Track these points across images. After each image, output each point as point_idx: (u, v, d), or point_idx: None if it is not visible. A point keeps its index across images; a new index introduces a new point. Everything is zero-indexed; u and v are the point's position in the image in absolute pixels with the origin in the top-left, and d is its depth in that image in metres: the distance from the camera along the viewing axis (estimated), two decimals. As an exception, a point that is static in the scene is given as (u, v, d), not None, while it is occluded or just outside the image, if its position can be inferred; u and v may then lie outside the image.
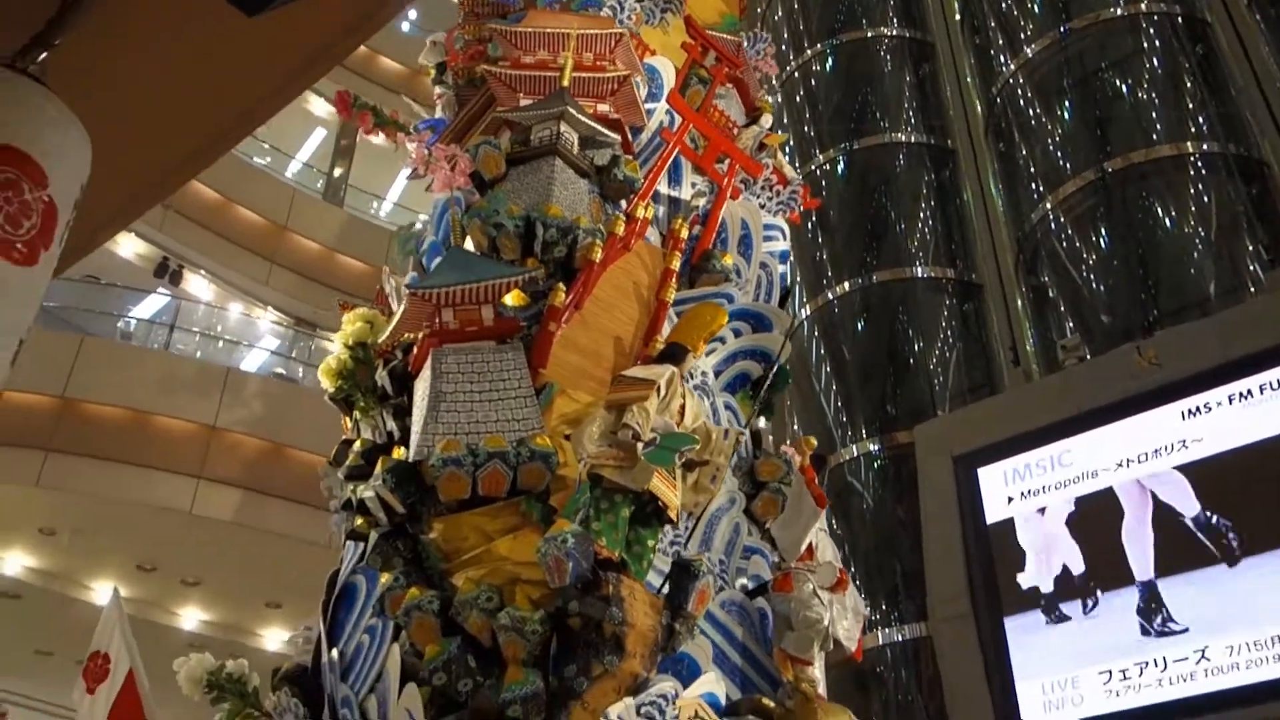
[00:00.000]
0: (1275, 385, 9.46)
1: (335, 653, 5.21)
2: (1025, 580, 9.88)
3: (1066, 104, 14.17)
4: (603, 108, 6.61)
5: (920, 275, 14.57)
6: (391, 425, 5.99)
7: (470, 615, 4.68)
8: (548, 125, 6.35)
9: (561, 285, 5.61)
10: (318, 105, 19.28)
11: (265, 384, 13.50)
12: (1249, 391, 9.61)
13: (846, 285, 14.64)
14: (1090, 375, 10.71)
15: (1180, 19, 13.95)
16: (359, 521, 5.50)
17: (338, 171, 19.55)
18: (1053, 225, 13.33)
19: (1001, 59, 15.33)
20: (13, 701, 14.97)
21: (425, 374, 5.49)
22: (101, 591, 13.85)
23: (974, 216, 15.00)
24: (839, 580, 5.99)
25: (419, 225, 6.40)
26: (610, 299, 6.04)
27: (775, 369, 6.76)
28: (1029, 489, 10.55)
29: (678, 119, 7.10)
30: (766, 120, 7.45)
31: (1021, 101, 14.73)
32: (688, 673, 4.81)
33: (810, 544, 6.15)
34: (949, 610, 10.17)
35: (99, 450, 11.51)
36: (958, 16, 17.01)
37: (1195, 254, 11.99)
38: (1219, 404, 9.73)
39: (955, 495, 10.77)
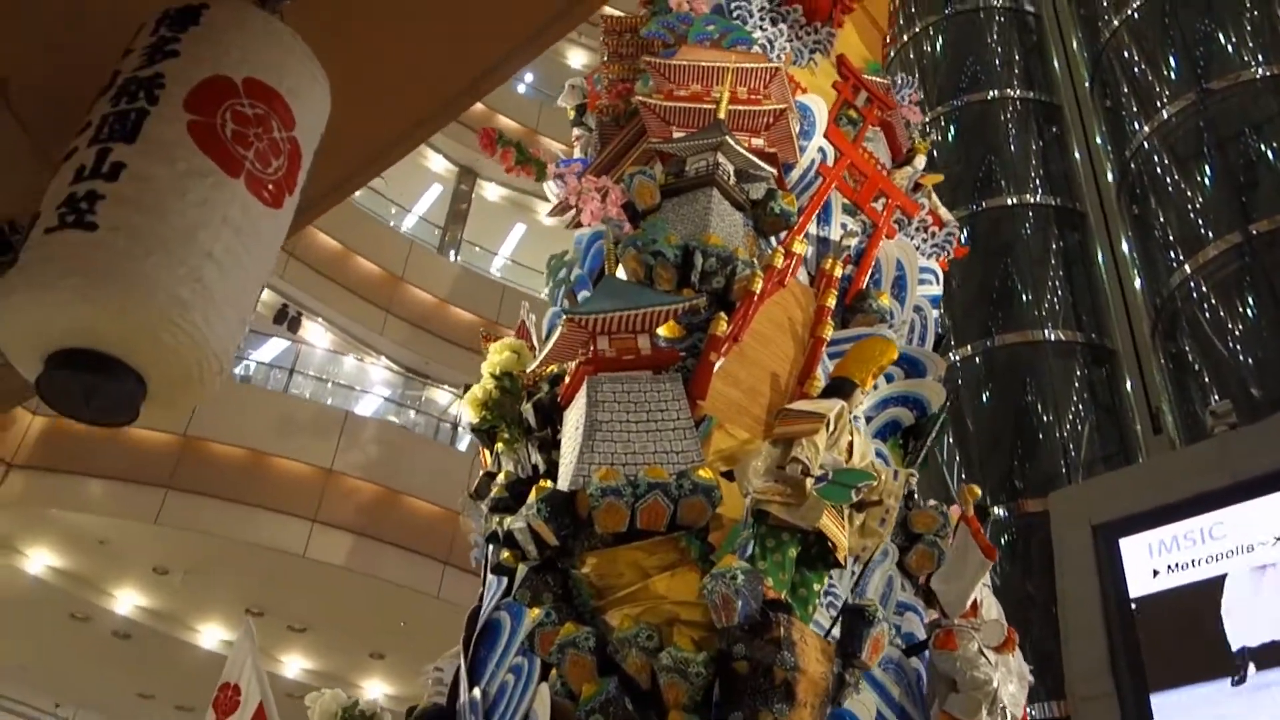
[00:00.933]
0: None
1: (478, 692, 4.97)
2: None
3: (1206, 167, 13.64)
4: (757, 141, 6.46)
5: (1049, 339, 14.05)
6: (536, 458, 5.81)
7: (629, 654, 4.41)
8: (704, 156, 6.22)
9: (723, 315, 5.40)
10: (435, 161, 19.66)
11: (381, 429, 13.50)
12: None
13: (969, 349, 14.17)
14: (1245, 443, 10.07)
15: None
16: (505, 555, 5.28)
17: (453, 227, 19.84)
18: (1193, 291, 12.74)
19: (1136, 124, 14.88)
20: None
21: (579, 403, 5.30)
22: (208, 634, 13.92)
23: (1106, 281, 14.46)
24: (1006, 639, 5.58)
25: (570, 254, 6.24)
26: (767, 334, 5.81)
27: (933, 417, 6.46)
28: (1177, 562, 9.91)
29: (829, 157, 6.93)
30: (920, 161, 7.21)
31: (1157, 165, 14.25)
32: (850, 730, 4.46)
33: (974, 600, 5.74)
34: (1091, 688, 9.52)
35: (217, 489, 11.56)
36: (1087, 82, 16.63)
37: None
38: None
39: (1095, 567, 10.16)
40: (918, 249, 6.99)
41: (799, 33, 7.62)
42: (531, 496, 4.91)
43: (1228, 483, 9.88)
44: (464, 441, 15.12)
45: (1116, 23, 16.17)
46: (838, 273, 6.36)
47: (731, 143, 6.11)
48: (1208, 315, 12.47)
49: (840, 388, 5.15)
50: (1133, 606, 9.93)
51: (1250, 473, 9.79)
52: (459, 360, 17.31)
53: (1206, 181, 13.58)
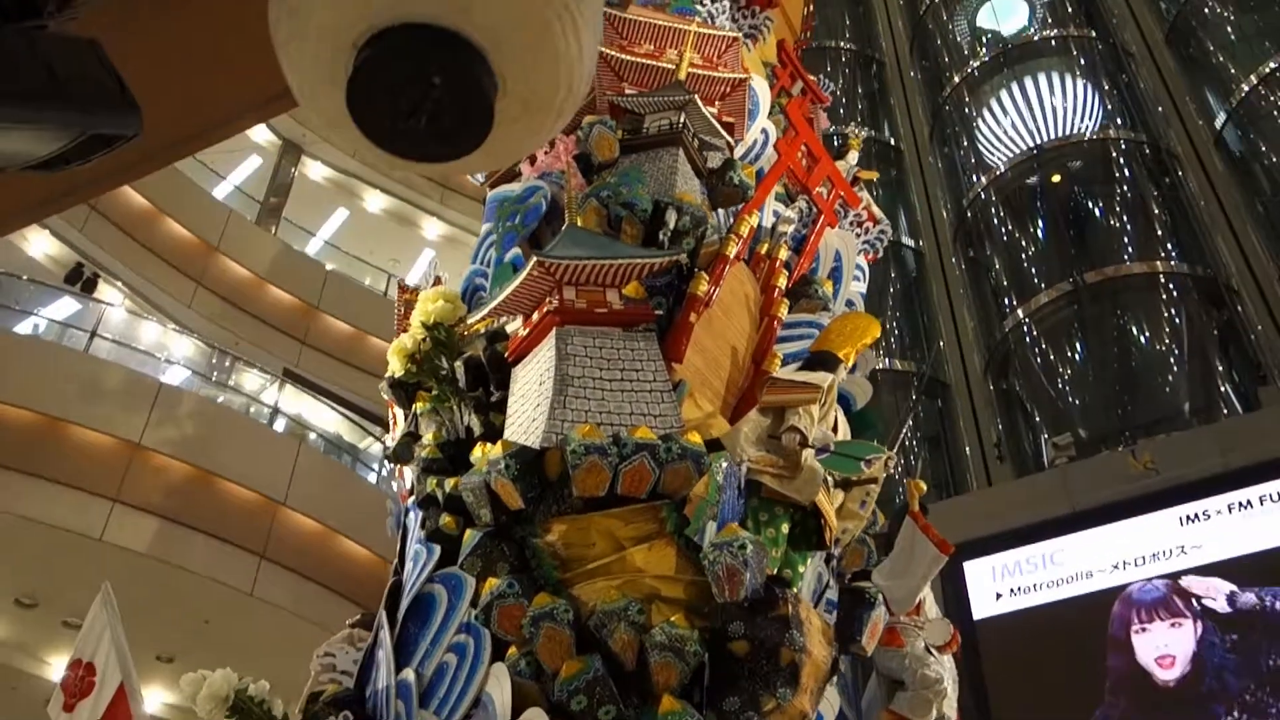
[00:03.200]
0: (1276, 497, 9.44)
1: (410, 674, 4.33)
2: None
3: (1039, 219, 14.43)
4: (710, 110, 6.14)
5: (880, 367, 14.40)
6: (470, 419, 5.22)
7: (618, 629, 3.92)
8: (665, 116, 5.84)
9: (704, 274, 5.02)
10: (258, 131, 18.31)
11: (200, 404, 12.07)
12: (1249, 502, 9.56)
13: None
14: (1083, 475, 10.55)
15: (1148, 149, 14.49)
16: (445, 520, 4.66)
17: (273, 201, 18.51)
18: (1025, 335, 13.37)
19: (974, 176, 15.61)
20: None
21: (541, 356, 4.79)
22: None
23: (940, 318, 14.99)
24: (950, 639, 5.44)
25: (520, 196, 5.70)
26: (729, 305, 5.46)
27: (860, 414, 6.28)
28: (1019, 586, 10.22)
29: (771, 140, 6.72)
30: (853, 156, 7.09)
31: (994, 214, 14.97)
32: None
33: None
34: (935, 708, 9.61)
35: (2, 457, 9.99)
36: (927, 128, 17.35)
37: (1171, 373, 12.14)
38: (1218, 512, 9.65)
39: (940, 589, 10.34)
40: (850, 243, 6.84)
41: (738, 14, 7.41)
42: (494, 452, 4.34)
43: (1068, 512, 10.28)
44: (280, 423, 13.96)
45: (958, 79, 16.99)
46: (783, 255, 6.11)
47: (699, 104, 5.77)
48: (1038, 358, 13.10)
49: (825, 361, 4.86)
50: (975, 628, 10.16)
51: (1089, 503, 10.23)
52: (274, 342, 16.10)
53: (1039, 233, 14.35)
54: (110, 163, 2.17)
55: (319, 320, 16.70)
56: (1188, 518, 9.78)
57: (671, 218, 5.20)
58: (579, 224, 5.27)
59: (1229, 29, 14.86)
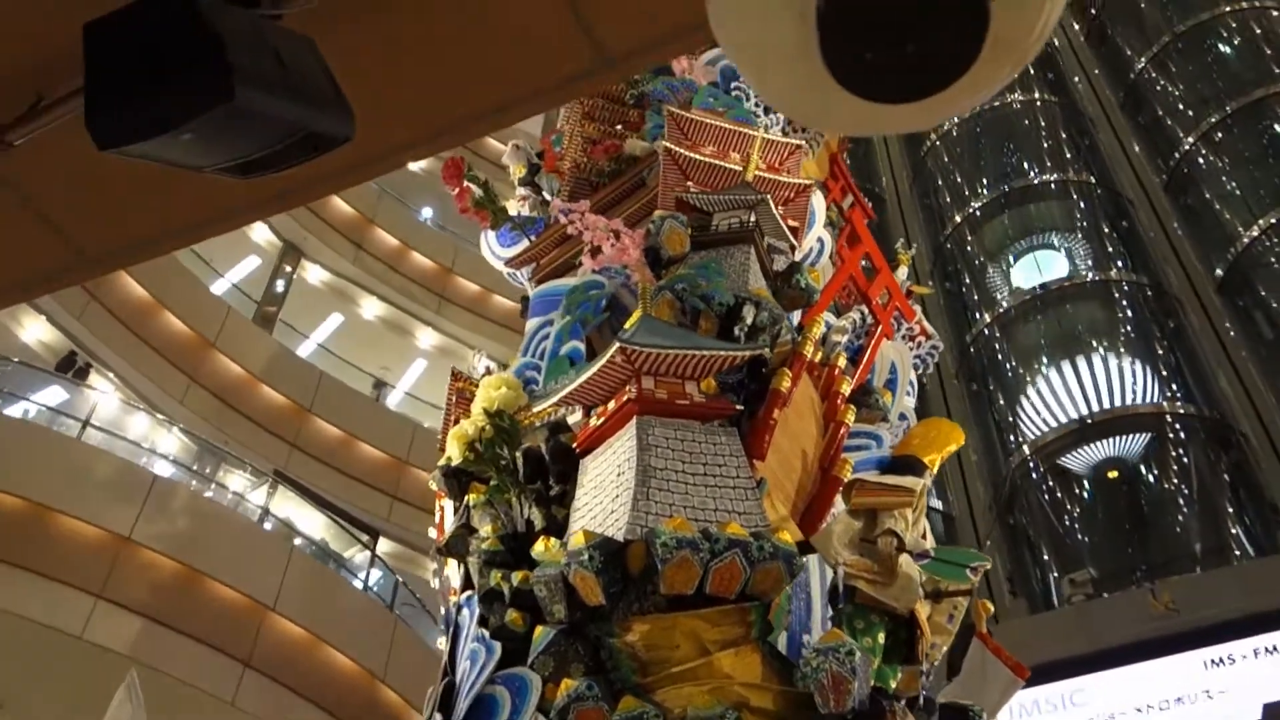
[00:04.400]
0: (1305, 644, 9.24)
1: (475, 781, 3.99)
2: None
3: (1044, 358, 14.55)
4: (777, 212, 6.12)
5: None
6: (530, 512, 4.97)
7: (714, 739, 3.63)
8: (736, 214, 5.81)
9: (787, 371, 4.87)
10: (258, 231, 18.24)
11: (192, 499, 11.57)
12: (1275, 646, 9.35)
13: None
14: (1103, 613, 10.31)
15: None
16: (512, 617, 4.37)
17: (269, 303, 18.33)
18: (1032, 471, 13.29)
19: (977, 313, 15.80)
20: None
21: (619, 447, 4.58)
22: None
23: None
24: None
25: (594, 287, 5.58)
26: (800, 409, 5.31)
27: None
28: (1038, 728, 9.86)
29: (826, 251, 6.71)
30: (903, 271, 7.06)
31: (997, 351, 15.09)
32: None
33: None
34: None
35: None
36: (928, 263, 17.62)
37: (1181, 515, 12.05)
38: (1244, 656, 9.42)
39: (955, 727, 9.96)
40: (902, 358, 6.76)
41: (787, 126, 7.46)
42: (575, 543, 4.09)
43: (1088, 650, 10.01)
44: (268, 525, 13.46)
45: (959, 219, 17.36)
46: (841, 363, 5.99)
47: (770, 206, 5.74)
48: (1046, 496, 12.98)
49: (911, 466, 4.69)
50: (994, 770, 9.73)
51: (1110, 642, 9.96)
52: (264, 444, 15.69)
53: (1045, 372, 14.42)
54: (312, 169, 2.02)
55: (310, 423, 16.37)
56: (1212, 661, 9.53)
57: (750, 313, 5.08)
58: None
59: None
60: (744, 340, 5.06)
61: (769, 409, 4.73)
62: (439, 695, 4.48)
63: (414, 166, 24.99)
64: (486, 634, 4.52)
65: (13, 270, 2.64)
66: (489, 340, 21.01)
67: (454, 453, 5.07)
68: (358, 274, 19.74)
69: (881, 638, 4.14)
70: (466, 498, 5.21)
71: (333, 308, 20.18)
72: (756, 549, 4.03)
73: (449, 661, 4.75)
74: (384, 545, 16.63)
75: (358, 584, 14.12)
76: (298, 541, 13.58)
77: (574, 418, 5.41)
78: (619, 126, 7.67)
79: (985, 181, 18.09)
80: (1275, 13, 17.75)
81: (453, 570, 5.37)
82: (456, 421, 5.99)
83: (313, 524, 14.98)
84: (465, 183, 7.01)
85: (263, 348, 16.90)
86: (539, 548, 4.59)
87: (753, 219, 5.73)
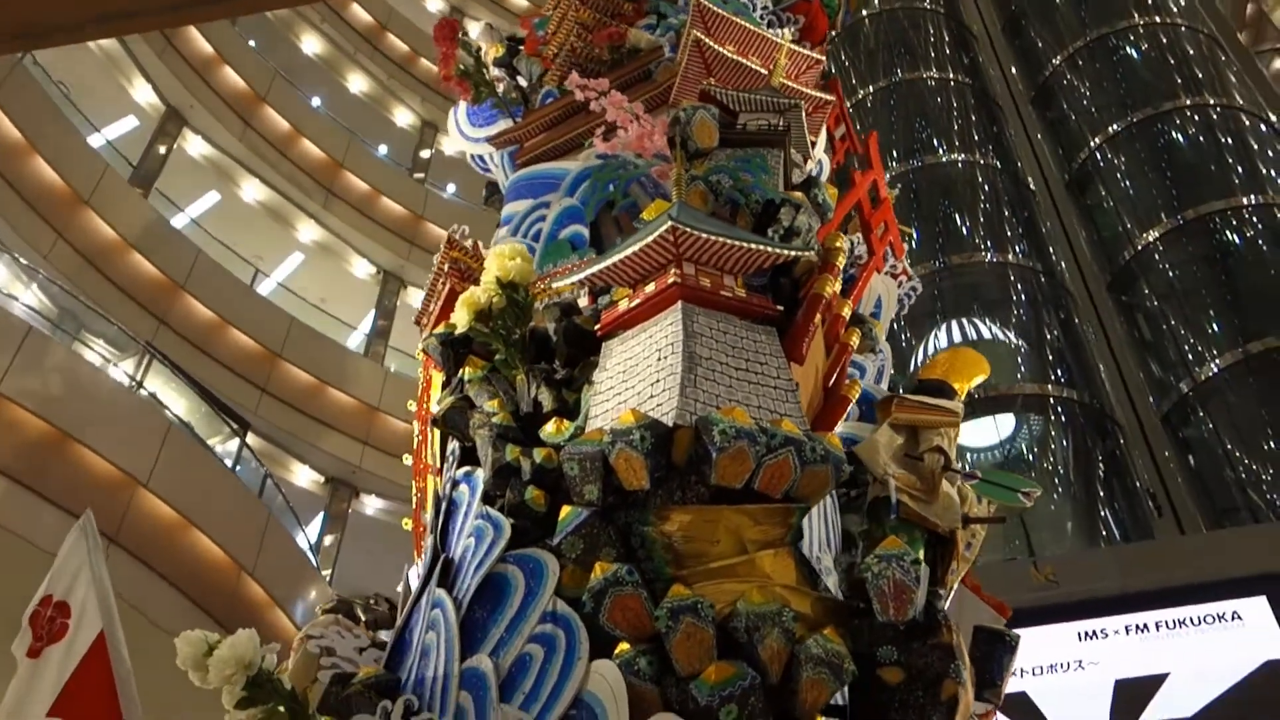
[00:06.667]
0: (1171, 624, 9.76)
1: (486, 661, 3.70)
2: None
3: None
4: (792, 126, 5.91)
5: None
6: (539, 393, 4.65)
7: (770, 635, 3.44)
8: (764, 117, 5.56)
9: (830, 275, 4.69)
10: (140, 90, 16.82)
11: (68, 357, 10.55)
12: (1145, 625, 9.85)
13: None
14: (985, 581, 10.62)
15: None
16: (533, 494, 4.07)
17: (147, 164, 17.00)
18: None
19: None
20: None
21: (656, 332, 4.33)
22: None
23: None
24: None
25: (619, 164, 5.25)
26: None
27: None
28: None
29: (825, 172, 6.58)
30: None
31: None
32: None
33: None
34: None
35: None
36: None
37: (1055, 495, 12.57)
38: (1115, 632, 9.89)
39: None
40: (882, 294, 6.69)
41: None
42: (625, 420, 3.82)
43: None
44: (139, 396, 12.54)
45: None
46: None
47: (802, 113, 5.53)
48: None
49: (942, 390, 4.60)
50: None
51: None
52: (129, 316, 14.61)
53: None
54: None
55: (181, 301, 15.33)
56: (1086, 634, 9.98)
57: (788, 215, 4.88)
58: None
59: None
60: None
61: (809, 313, 4.54)
62: (439, 569, 4.16)
63: (307, 50, 23.72)
64: (491, 511, 4.22)
65: None
66: (374, 243, 20.25)
67: (461, 320, 4.69)
68: (243, 153, 18.57)
69: (921, 555, 4.04)
70: (461, 371, 4.86)
71: (211, 185, 18.94)
72: (809, 449, 3.86)
73: (436, 539, 4.43)
74: (250, 439, 15.86)
75: (233, 471, 13.38)
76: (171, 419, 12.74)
77: (581, 301, 5.14)
78: (613, 18, 7.32)
79: (895, 154, 18.34)
80: (1184, 29, 18.56)
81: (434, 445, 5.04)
82: (449, 293, 5.61)
83: (177, 407, 14.10)
84: (457, 44, 6.53)
85: (139, 214, 15.71)
86: (549, 429, 4.32)
87: (782, 123, 5.49)
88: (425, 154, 23.18)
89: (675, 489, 3.89)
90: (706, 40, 5.77)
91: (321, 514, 16.46)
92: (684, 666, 3.42)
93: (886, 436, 4.21)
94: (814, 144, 5.93)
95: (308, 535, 14.46)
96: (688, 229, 4.30)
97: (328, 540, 16.08)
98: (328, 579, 13.94)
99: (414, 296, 20.70)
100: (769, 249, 4.48)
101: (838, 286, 5.23)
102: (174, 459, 10.89)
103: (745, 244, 4.42)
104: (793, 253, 4.55)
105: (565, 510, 3.93)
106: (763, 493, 3.84)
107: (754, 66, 5.87)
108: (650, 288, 4.44)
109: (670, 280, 4.33)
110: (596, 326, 4.62)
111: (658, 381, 4.13)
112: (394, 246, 19.81)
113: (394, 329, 19.46)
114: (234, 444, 14.30)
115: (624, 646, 3.53)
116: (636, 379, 4.25)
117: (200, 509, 10.95)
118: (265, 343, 16.26)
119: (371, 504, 17.47)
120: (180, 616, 9.60)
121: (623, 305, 4.54)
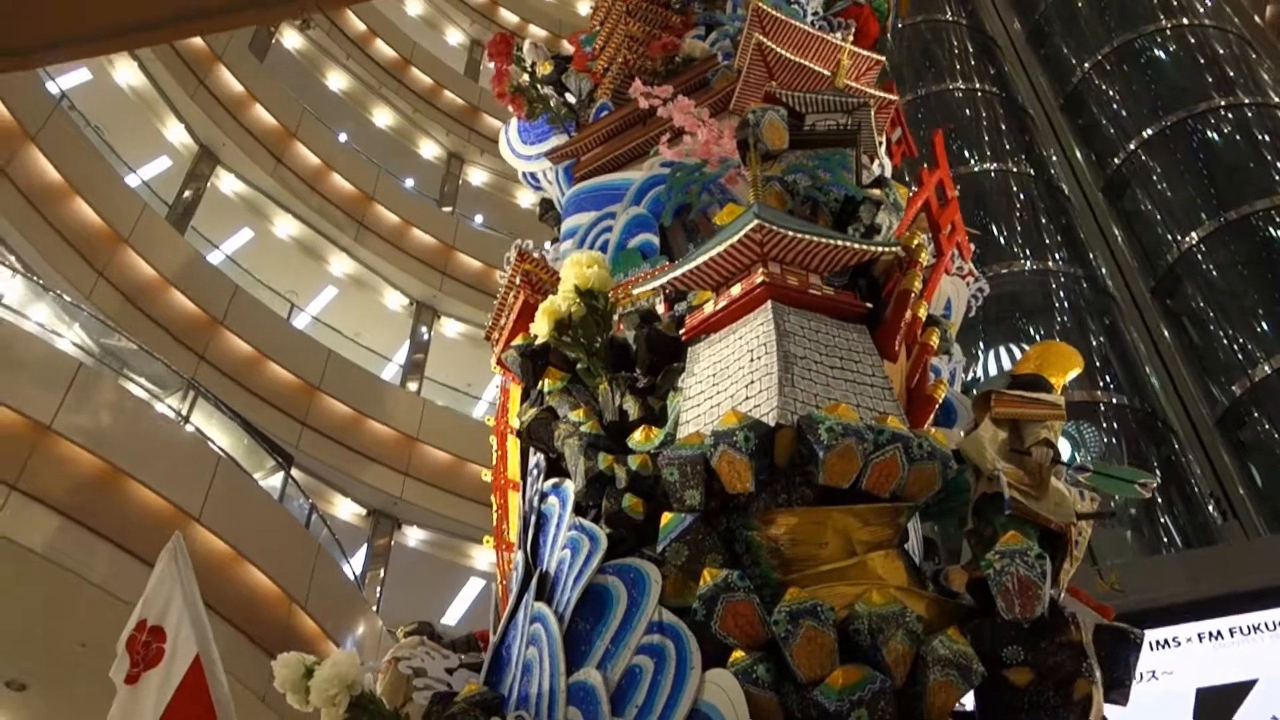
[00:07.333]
0: (1247, 630, 9.52)
1: (595, 675, 3.59)
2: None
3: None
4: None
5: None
6: (624, 401, 4.56)
7: (894, 637, 3.32)
8: (832, 118, 5.48)
9: (916, 272, 4.58)
10: (172, 130, 16.98)
11: (120, 394, 10.59)
12: (1219, 633, 9.61)
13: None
14: (1050, 589, 10.44)
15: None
16: (630, 502, 3.98)
17: (180, 208, 17.16)
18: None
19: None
20: None
21: (748, 333, 4.23)
22: None
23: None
24: None
25: (697, 163, 5.18)
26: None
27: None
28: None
29: (887, 171, 6.49)
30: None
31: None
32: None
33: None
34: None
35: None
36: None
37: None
38: (1189, 639, 9.66)
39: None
40: (951, 296, 6.58)
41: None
42: (727, 421, 3.71)
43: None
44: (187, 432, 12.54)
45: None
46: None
47: (871, 114, 5.45)
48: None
49: (1039, 384, 4.45)
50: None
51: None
52: (170, 353, 14.65)
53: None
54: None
55: (221, 337, 15.37)
56: (1158, 642, 9.75)
57: (868, 213, 4.79)
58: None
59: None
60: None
61: (899, 310, 4.44)
62: (535, 583, 4.07)
63: (333, 86, 23.90)
64: (584, 522, 4.12)
65: None
66: (405, 274, 20.30)
67: (542, 330, 4.60)
68: (275, 189, 18.69)
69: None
70: (541, 382, 4.77)
71: (243, 221, 19.06)
72: (917, 446, 3.75)
73: (528, 553, 4.33)
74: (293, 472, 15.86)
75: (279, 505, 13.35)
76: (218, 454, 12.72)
77: (658, 309, 5.06)
78: (662, 29, 7.30)
79: (928, 167, 18.20)
80: (1212, 29, 18.44)
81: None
82: (523, 305, 5.54)
83: (221, 442, 14.10)
84: (515, 60, 6.51)
85: (176, 252, 15.80)
86: (638, 437, 4.24)
87: (851, 123, 5.41)
88: (449, 187, 23.30)
89: (779, 491, 3.79)
90: (769, 43, 5.71)
91: (365, 546, 16.39)
92: (805, 672, 3.31)
93: (990, 432, 4.08)
94: (881, 144, 5.83)
95: (353, 567, 14.40)
96: (774, 227, 4.21)
97: (371, 572, 16.02)
98: (375, 610, 13.87)
99: (447, 327, 20.71)
100: (856, 246, 4.39)
101: (920, 284, 5.13)
102: (224, 493, 10.86)
103: (832, 241, 4.32)
104: (880, 249, 4.46)
105: (666, 517, 3.82)
106: (869, 492, 3.74)
107: (816, 69, 5.80)
108: (736, 289, 4.35)
109: (758, 280, 4.24)
110: (681, 331, 4.54)
111: (753, 383, 4.02)
112: (426, 277, 19.84)
113: (429, 360, 19.45)
114: (277, 478, 14.27)
115: (738, 654, 3.42)
116: (728, 381, 4.15)
117: (251, 542, 10.91)
118: (304, 376, 16.27)
119: (414, 535, 17.40)
120: (233, 650, 9.51)
121: (708, 308, 4.45)
